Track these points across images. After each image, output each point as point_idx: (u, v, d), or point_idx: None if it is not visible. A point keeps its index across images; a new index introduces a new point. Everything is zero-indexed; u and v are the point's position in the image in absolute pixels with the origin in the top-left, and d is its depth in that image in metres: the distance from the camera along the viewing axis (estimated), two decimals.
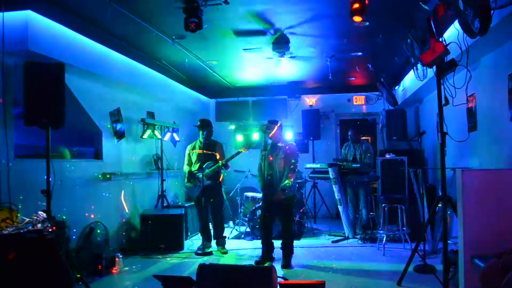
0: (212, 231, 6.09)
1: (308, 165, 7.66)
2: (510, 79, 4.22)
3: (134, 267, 5.18)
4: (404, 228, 5.80)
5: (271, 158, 5.25)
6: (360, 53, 6.39)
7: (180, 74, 7.50)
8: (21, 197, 4.13)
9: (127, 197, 6.36)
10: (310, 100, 9.53)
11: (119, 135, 6.17)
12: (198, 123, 6.01)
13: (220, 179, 6.06)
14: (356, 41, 5.79)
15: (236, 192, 7.67)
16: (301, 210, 6.94)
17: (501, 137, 4.55)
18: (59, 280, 3.42)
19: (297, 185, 5.32)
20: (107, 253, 4.86)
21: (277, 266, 4.90)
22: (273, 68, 7.21)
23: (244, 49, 6.05)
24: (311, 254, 5.75)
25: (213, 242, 6.01)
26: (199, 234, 6.15)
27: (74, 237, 4.86)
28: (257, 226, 6.52)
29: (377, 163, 6.92)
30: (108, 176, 5.77)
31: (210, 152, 5.90)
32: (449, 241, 4.12)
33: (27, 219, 3.64)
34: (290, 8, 4.61)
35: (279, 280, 3.51)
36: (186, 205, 6.84)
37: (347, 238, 6.69)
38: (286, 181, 5.08)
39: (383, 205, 5.92)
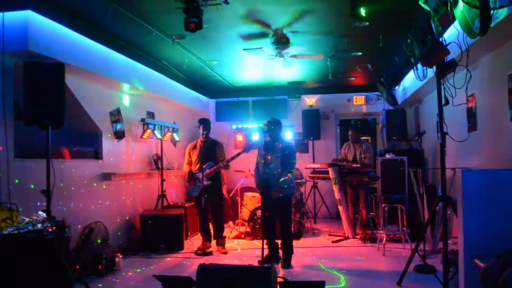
0: (212, 231, 6.09)
1: (308, 165, 7.66)
2: (510, 79, 4.22)
3: (134, 267, 5.18)
4: (404, 228, 5.80)
5: (269, 157, 5.25)
6: (360, 53, 6.39)
7: (180, 74, 7.50)
8: (21, 197, 4.13)
9: (127, 197, 6.36)
10: (310, 100, 9.53)
11: (119, 135, 6.17)
12: (198, 123, 6.02)
13: (223, 180, 6.06)
14: (356, 41, 5.79)
15: (236, 192, 7.67)
16: (301, 210, 6.94)
17: (501, 137, 4.54)
18: (59, 280, 3.42)
19: (292, 184, 5.30)
20: (107, 253, 4.85)
21: (277, 266, 4.90)
22: (273, 68, 7.21)
23: (244, 49, 6.05)
24: (311, 254, 5.75)
25: (213, 242, 6.02)
26: (199, 234, 6.15)
27: (74, 237, 4.85)
28: (257, 226, 6.52)
29: (377, 163, 6.92)
30: (108, 176, 5.77)
31: (210, 152, 5.90)
32: (449, 241, 4.12)
33: (27, 219, 3.64)
34: (290, 8, 4.61)
35: (279, 280, 3.51)
36: (186, 205, 6.84)
37: (347, 238, 6.69)
38: (281, 180, 5.09)
39: (383, 205, 5.93)
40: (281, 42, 5.54)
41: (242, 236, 6.91)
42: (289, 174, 5.15)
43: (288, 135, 9.22)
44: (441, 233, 4.77)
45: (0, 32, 3.94)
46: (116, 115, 6.11)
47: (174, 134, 7.21)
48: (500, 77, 4.42)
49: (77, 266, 4.16)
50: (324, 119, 9.42)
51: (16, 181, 4.19)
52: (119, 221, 6.09)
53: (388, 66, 7.25)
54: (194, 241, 6.49)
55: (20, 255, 3.31)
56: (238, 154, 5.84)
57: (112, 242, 5.51)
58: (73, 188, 5.10)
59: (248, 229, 6.77)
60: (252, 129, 9.33)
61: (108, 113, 5.96)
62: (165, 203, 6.61)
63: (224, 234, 6.09)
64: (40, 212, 3.76)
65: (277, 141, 5.33)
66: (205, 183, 5.76)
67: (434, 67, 4.05)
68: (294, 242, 5.42)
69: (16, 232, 3.38)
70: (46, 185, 4.01)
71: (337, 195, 6.81)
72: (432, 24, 3.90)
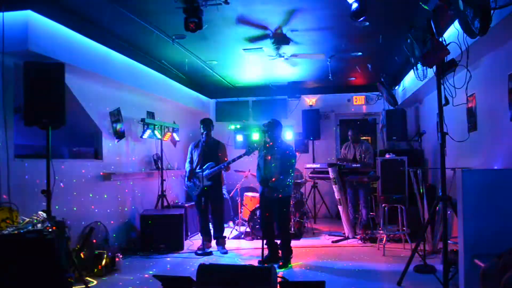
0: (212, 231, 6.09)
1: (308, 165, 7.66)
2: (510, 79, 4.22)
3: (134, 267, 5.18)
4: (404, 228, 5.80)
5: (269, 158, 5.25)
6: (360, 53, 6.39)
7: (180, 74, 7.50)
8: (21, 197, 4.13)
9: (127, 197, 6.36)
10: (310, 100, 9.53)
11: (119, 135, 6.17)
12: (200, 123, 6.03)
13: (222, 180, 6.06)
14: (356, 41, 5.79)
15: (236, 192, 7.67)
16: (301, 210, 6.94)
17: (501, 137, 4.54)
18: (59, 280, 3.42)
19: (291, 185, 5.31)
20: (107, 253, 4.85)
21: (277, 266, 4.90)
22: (273, 68, 7.21)
23: (244, 49, 6.05)
24: (311, 254, 5.75)
25: (213, 242, 6.02)
26: (199, 234, 6.15)
27: (74, 237, 4.85)
28: (257, 226, 6.52)
29: (377, 163, 6.92)
30: (108, 176, 5.77)
31: (212, 152, 5.90)
32: (449, 241, 4.12)
33: (27, 219, 3.64)
34: (290, 8, 4.61)
35: (279, 280, 3.52)
36: (186, 205, 6.84)
37: (347, 238, 6.69)
38: (270, 183, 5.12)
39: (383, 205, 5.93)
40: (281, 42, 5.53)
41: (242, 236, 6.92)
42: (284, 178, 5.14)
43: (288, 135, 9.22)
44: (441, 233, 4.77)
45: (0, 32, 3.94)
46: (116, 115, 6.11)
47: (174, 134, 7.21)
48: (500, 77, 4.41)
49: (77, 266, 4.15)
50: (324, 119, 9.42)
51: (16, 181, 4.19)
52: (119, 221, 6.09)
53: (388, 66, 7.25)
54: (194, 241, 6.49)
55: (20, 255, 3.31)
56: (239, 157, 5.83)
57: (112, 242, 5.52)
58: (73, 188, 5.10)
59: (248, 229, 6.77)
60: (252, 129, 9.33)
61: (108, 113, 5.96)
62: (165, 203, 6.61)
63: (224, 234, 6.09)
64: (40, 212, 3.76)
65: (277, 142, 5.34)
66: (205, 183, 5.77)
67: (434, 67, 4.06)
68: (294, 242, 5.42)
69: (16, 232, 3.38)
70: (46, 185, 4.01)
71: (337, 195, 6.81)
72: (432, 24, 3.90)
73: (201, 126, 5.96)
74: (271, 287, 3.24)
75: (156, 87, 6.94)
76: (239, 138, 9.58)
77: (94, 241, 5.01)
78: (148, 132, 6.42)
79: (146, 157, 7.03)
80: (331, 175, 6.76)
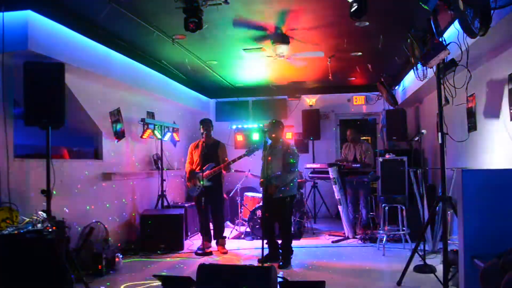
0: (212, 231, 6.09)
1: (308, 165, 7.66)
2: (510, 79, 4.22)
3: (134, 267, 5.18)
4: (404, 228, 5.80)
5: (269, 158, 5.25)
6: (360, 53, 6.39)
7: (180, 74, 7.50)
8: (21, 197, 4.13)
9: (127, 197, 6.36)
10: (310, 100, 9.53)
11: (119, 135, 6.17)
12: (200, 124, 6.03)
13: (222, 181, 6.06)
14: (356, 41, 5.79)
15: (236, 192, 7.66)
16: (301, 210, 6.94)
17: (501, 137, 4.54)
18: (59, 280, 3.42)
19: (293, 185, 5.30)
20: (107, 253, 4.85)
21: (277, 266, 4.90)
22: (273, 68, 7.20)
23: (244, 49, 6.05)
24: (311, 254, 5.75)
25: (213, 242, 6.02)
26: (199, 234, 6.15)
27: (74, 237, 4.85)
28: (257, 226, 6.52)
29: (377, 163, 6.92)
30: (108, 176, 5.77)
31: (212, 153, 5.90)
32: (449, 241, 4.12)
33: (27, 219, 3.64)
34: (290, 7, 4.60)
35: (279, 280, 3.52)
36: (186, 205, 6.84)
37: (347, 238, 6.69)
38: (273, 180, 5.14)
39: (383, 205, 5.93)
40: (281, 42, 5.53)
41: (242, 236, 6.91)
42: (284, 179, 5.15)
43: (288, 135, 9.22)
44: (441, 233, 4.77)
45: (0, 32, 3.94)
46: (116, 115, 6.11)
47: (174, 134, 7.21)
48: (500, 77, 4.42)
49: (77, 266, 4.15)
50: (324, 119, 9.42)
51: (16, 181, 4.19)
52: (119, 221, 6.09)
53: (388, 66, 7.24)
54: (194, 241, 6.49)
55: (20, 255, 3.31)
56: (239, 158, 5.83)
57: (112, 242, 5.52)
58: (73, 188, 5.10)
59: (248, 229, 6.77)
60: (252, 129, 9.33)
61: (108, 113, 5.96)
62: (165, 203, 6.61)
63: (224, 234, 6.09)
64: (40, 212, 3.76)
65: (278, 142, 5.34)
66: (205, 184, 5.77)
67: (434, 67, 4.06)
68: (294, 242, 5.41)
69: (16, 232, 3.38)
70: (46, 185, 4.01)
71: (337, 195, 6.81)
72: (432, 24, 3.90)
73: (201, 126, 5.97)
74: (271, 287, 3.24)
75: (156, 87, 6.94)
76: (239, 138, 9.57)
77: (94, 241, 5.01)
78: (148, 132, 6.42)
79: (146, 157, 7.03)
80: (331, 175, 6.76)
